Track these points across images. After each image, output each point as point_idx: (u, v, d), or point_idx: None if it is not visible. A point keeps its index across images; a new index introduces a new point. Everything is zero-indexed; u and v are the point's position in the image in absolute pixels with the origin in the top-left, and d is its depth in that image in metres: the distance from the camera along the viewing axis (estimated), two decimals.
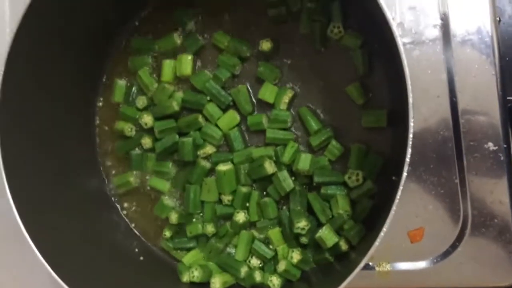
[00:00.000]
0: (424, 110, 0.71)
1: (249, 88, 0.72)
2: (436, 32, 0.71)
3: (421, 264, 0.72)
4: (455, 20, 0.71)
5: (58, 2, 0.61)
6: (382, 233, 0.53)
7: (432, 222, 0.71)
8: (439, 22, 0.71)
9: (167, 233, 0.73)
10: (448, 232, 0.71)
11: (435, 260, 0.71)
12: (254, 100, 0.72)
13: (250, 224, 0.71)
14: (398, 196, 0.53)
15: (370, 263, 0.73)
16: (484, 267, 0.70)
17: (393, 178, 0.61)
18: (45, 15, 0.60)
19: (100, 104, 0.77)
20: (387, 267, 0.73)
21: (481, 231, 0.70)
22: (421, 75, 0.71)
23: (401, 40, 0.69)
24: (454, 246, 0.70)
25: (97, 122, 0.78)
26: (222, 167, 0.70)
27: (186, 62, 0.72)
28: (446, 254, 0.71)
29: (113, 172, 0.77)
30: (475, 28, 0.70)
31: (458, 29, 0.71)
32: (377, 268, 0.73)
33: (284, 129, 0.70)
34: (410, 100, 0.52)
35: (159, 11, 0.75)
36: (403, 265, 0.72)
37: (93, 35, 0.72)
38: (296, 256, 0.67)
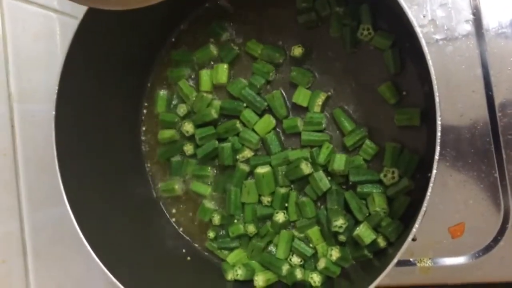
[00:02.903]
0: (460, 105, 0.71)
1: (283, 93, 0.74)
2: (468, 27, 0.71)
3: (463, 259, 0.71)
4: (487, 14, 0.70)
5: (104, 26, 0.65)
6: (414, 229, 0.54)
7: (473, 217, 0.71)
8: (471, 17, 0.71)
9: (211, 234, 0.77)
10: (490, 226, 0.70)
11: (476, 255, 0.71)
12: (288, 104, 0.74)
13: (289, 224, 0.73)
14: (428, 193, 0.53)
15: (411, 259, 0.74)
16: None
17: (429, 175, 0.62)
18: (93, 38, 0.65)
19: (144, 114, 0.82)
20: (428, 262, 0.73)
21: None
22: (456, 70, 0.71)
23: (434, 37, 0.72)
24: (495, 240, 0.70)
25: (143, 131, 0.82)
26: (261, 170, 0.72)
27: (222, 71, 0.76)
28: (488, 248, 0.70)
29: (159, 178, 0.81)
30: (508, 20, 0.70)
31: (490, 22, 0.70)
32: (418, 264, 0.73)
33: (319, 131, 0.72)
34: (437, 99, 0.53)
35: (195, 25, 0.79)
36: (445, 261, 0.73)
37: (136, 53, 0.77)
38: (335, 253, 0.69)
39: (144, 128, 0.82)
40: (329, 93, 0.72)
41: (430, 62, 0.54)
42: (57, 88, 0.64)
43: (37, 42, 0.77)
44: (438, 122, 0.54)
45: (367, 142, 0.69)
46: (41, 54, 0.77)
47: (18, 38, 0.73)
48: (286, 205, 0.73)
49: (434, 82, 0.53)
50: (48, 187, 0.72)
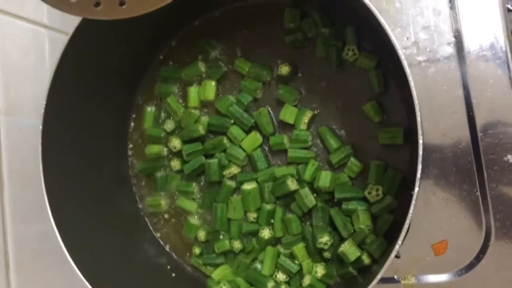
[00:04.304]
0: (442, 125, 0.73)
1: (270, 110, 0.75)
2: (450, 50, 0.73)
3: (446, 277, 0.72)
4: (468, 37, 0.73)
5: (93, 42, 0.66)
6: (397, 246, 0.54)
7: (456, 234, 0.72)
8: (452, 40, 0.73)
9: (197, 250, 0.77)
10: (472, 244, 0.71)
11: (459, 272, 0.71)
12: (275, 121, 0.75)
13: (275, 240, 0.74)
14: (411, 210, 0.54)
15: (395, 277, 0.74)
16: (510, 278, 0.69)
17: (412, 192, 0.63)
18: (82, 53, 0.66)
19: (132, 129, 0.82)
20: (412, 280, 0.73)
21: (504, 242, 0.70)
22: (438, 91, 0.73)
23: (416, 58, 0.74)
24: (478, 258, 0.71)
25: (130, 146, 0.82)
26: (247, 186, 0.73)
27: (210, 88, 0.76)
28: (470, 266, 0.71)
29: (146, 194, 0.81)
30: (488, 43, 0.72)
31: (471, 45, 0.72)
32: (402, 281, 0.73)
33: (305, 148, 0.72)
34: (418, 119, 0.54)
35: (184, 42, 0.80)
36: (428, 278, 0.73)
37: (125, 69, 0.78)
38: (320, 270, 0.69)
39: (131, 143, 0.83)
40: (315, 111, 0.74)
41: (412, 83, 0.55)
42: (45, 102, 0.64)
43: (26, 57, 0.78)
44: (420, 141, 0.55)
45: (352, 159, 0.70)
46: (30, 69, 0.78)
47: (7, 53, 0.74)
48: (272, 221, 0.73)
49: (416, 102, 0.55)
50: (33, 201, 0.71)
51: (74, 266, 0.62)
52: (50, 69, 0.66)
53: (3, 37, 0.73)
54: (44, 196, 0.63)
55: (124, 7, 0.48)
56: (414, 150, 0.68)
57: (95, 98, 0.74)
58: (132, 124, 0.83)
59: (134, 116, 0.83)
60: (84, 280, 0.61)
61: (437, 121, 0.73)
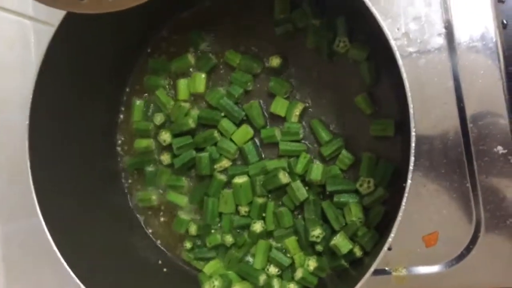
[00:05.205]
0: (433, 116, 0.73)
1: (261, 102, 0.75)
2: (441, 41, 0.73)
3: (437, 268, 0.72)
4: (459, 28, 0.72)
5: (80, 34, 0.65)
6: (390, 239, 0.54)
7: (446, 226, 0.72)
8: (443, 30, 0.73)
9: (188, 245, 0.76)
10: (462, 235, 0.72)
11: (450, 264, 0.72)
12: (266, 114, 0.75)
13: (267, 234, 0.73)
14: (403, 203, 0.54)
15: (387, 268, 0.74)
16: (499, 269, 0.70)
17: (404, 184, 0.63)
18: (69, 45, 0.65)
19: (120, 123, 0.81)
20: (403, 271, 0.74)
21: (494, 233, 0.70)
22: (428, 82, 0.73)
23: (407, 49, 0.73)
24: (468, 249, 0.71)
25: (119, 140, 0.81)
26: (238, 180, 0.72)
27: (200, 81, 0.75)
28: (461, 257, 0.72)
29: (136, 188, 0.80)
30: (479, 34, 0.72)
31: (462, 36, 0.72)
32: (393, 273, 0.74)
33: (296, 141, 0.72)
34: (411, 111, 0.54)
35: (173, 33, 0.79)
36: (419, 269, 0.73)
37: (113, 62, 0.76)
38: (312, 263, 0.69)
39: (120, 137, 0.81)
40: (307, 104, 0.73)
41: (404, 74, 0.55)
42: (31, 96, 0.63)
43: (11, 50, 0.76)
44: (413, 133, 0.55)
45: (344, 152, 0.70)
46: (15, 62, 0.76)
47: None
48: (264, 215, 0.73)
49: (408, 94, 0.55)
50: (20, 197, 0.70)
51: (64, 263, 0.60)
52: (35, 62, 0.64)
53: None
54: (32, 192, 0.62)
55: (110, 0, 0.47)
56: (405, 141, 0.68)
57: (82, 92, 0.72)
58: (121, 117, 0.81)
59: (123, 109, 0.81)
60: (74, 277, 0.60)
61: (428, 113, 0.73)
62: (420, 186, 0.73)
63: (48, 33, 0.62)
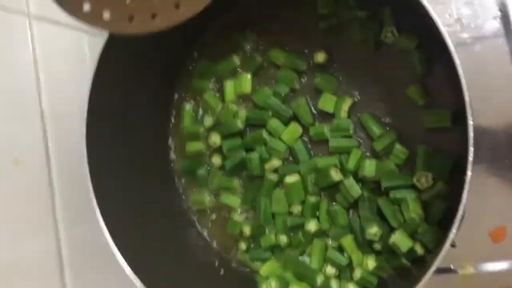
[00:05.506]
0: (494, 105, 0.69)
1: (309, 100, 0.73)
2: (496, 24, 0.69)
3: (506, 265, 0.69)
4: None
5: (128, 44, 0.65)
6: (452, 235, 0.52)
7: None
8: (498, 13, 0.69)
9: (243, 246, 0.76)
10: None
11: None
12: (314, 111, 0.73)
13: (322, 233, 0.72)
14: (465, 196, 0.51)
15: (452, 266, 0.71)
16: None
17: (464, 177, 0.59)
18: (120, 54, 0.66)
19: (172, 127, 0.82)
20: (471, 269, 0.71)
21: None
22: (486, 70, 0.69)
23: (461, 36, 0.70)
24: None
25: (172, 145, 0.82)
26: (289, 179, 0.71)
27: (246, 81, 0.75)
28: None
29: (190, 191, 0.81)
30: None
31: None
32: (460, 271, 0.71)
33: (347, 137, 0.70)
34: (467, 99, 0.51)
35: (217, 36, 0.79)
36: (487, 266, 0.70)
37: (162, 66, 0.78)
38: (371, 263, 0.67)
39: (172, 141, 0.83)
40: (355, 98, 0.71)
41: (457, 61, 0.52)
42: (87, 106, 0.65)
43: (66, 61, 0.79)
44: (470, 123, 0.52)
45: (397, 146, 0.67)
46: (71, 72, 0.79)
47: (49, 59, 0.75)
48: (317, 214, 0.72)
49: (463, 81, 0.52)
50: (82, 203, 0.72)
51: (127, 267, 0.62)
52: (90, 71, 0.67)
53: (43, 43, 0.74)
54: (92, 197, 0.64)
55: (156, 19, 0.48)
56: (463, 132, 0.65)
57: (134, 99, 0.74)
58: (173, 121, 0.83)
59: (174, 114, 0.82)
60: (138, 280, 0.62)
61: (488, 101, 0.69)
62: (484, 178, 0.69)
63: (99, 42, 0.64)
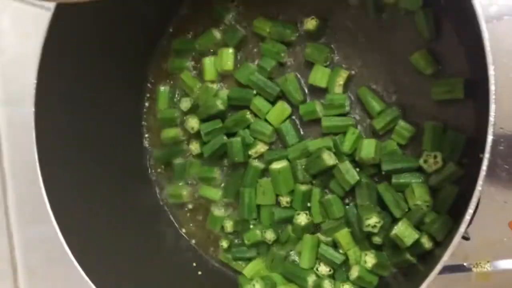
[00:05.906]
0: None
1: (298, 74, 0.66)
2: None
3: None
4: None
5: (90, 15, 0.60)
6: (464, 224, 0.44)
7: None
8: None
9: (224, 244, 0.70)
10: None
11: None
12: (304, 87, 0.66)
13: (314, 227, 0.65)
14: (481, 180, 0.43)
15: (465, 264, 0.64)
16: None
17: (480, 155, 0.51)
18: (80, 27, 0.60)
19: (145, 112, 0.76)
20: (487, 266, 0.64)
21: None
22: (506, 33, 0.61)
23: None
24: None
25: (145, 131, 0.76)
26: (277, 166, 0.65)
27: (228, 57, 0.69)
28: None
29: (165, 184, 0.75)
30: None
31: None
32: (474, 269, 0.64)
33: (342, 115, 0.63)
34: (491, 72, 0.43)
35: (195, 9, 0.72)
36: (507, 264, 0.63)
37: (133, 45, 0.71)
38: (370, 259, 0.59)
39: (146, 129, 0.76)
40: (352, 70, 0.64)
41: (480, 13, 0.43)
42: (35, 86, 0.57)
43: (25, 41, 0.72)
44: (492, 100, 0.43)
45: (401, 123, 0.60)
46: (29, 54, 0.72)
47: (4, 37, 0.68)
48: (309, 204, 0.65)
49: (488, 49, 0.43)
50: (38, 200, 0.65)
51: (81, 271, 0.55)
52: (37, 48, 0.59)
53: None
54: (43, 193, 0.57)
55: None
56: (479, 105, 0.56)
57: (98, 81, 0.67)
58: (146, 105, 0.76)
59: (147, 97, 0.76)
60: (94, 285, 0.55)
61: (507, 70, 0.60)
62: (503, 162, 0.62)
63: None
